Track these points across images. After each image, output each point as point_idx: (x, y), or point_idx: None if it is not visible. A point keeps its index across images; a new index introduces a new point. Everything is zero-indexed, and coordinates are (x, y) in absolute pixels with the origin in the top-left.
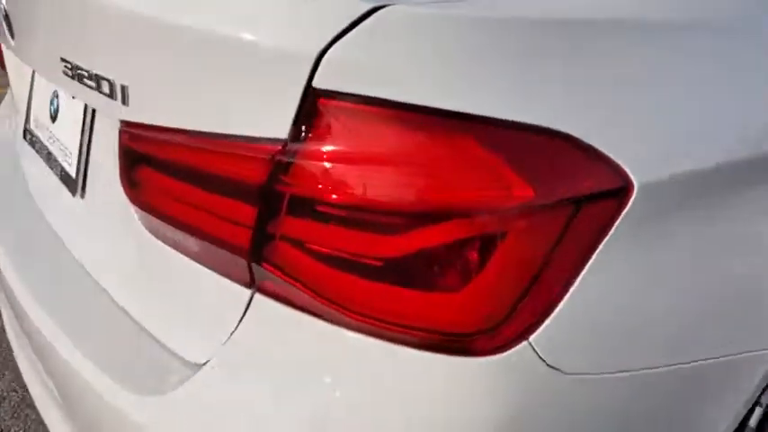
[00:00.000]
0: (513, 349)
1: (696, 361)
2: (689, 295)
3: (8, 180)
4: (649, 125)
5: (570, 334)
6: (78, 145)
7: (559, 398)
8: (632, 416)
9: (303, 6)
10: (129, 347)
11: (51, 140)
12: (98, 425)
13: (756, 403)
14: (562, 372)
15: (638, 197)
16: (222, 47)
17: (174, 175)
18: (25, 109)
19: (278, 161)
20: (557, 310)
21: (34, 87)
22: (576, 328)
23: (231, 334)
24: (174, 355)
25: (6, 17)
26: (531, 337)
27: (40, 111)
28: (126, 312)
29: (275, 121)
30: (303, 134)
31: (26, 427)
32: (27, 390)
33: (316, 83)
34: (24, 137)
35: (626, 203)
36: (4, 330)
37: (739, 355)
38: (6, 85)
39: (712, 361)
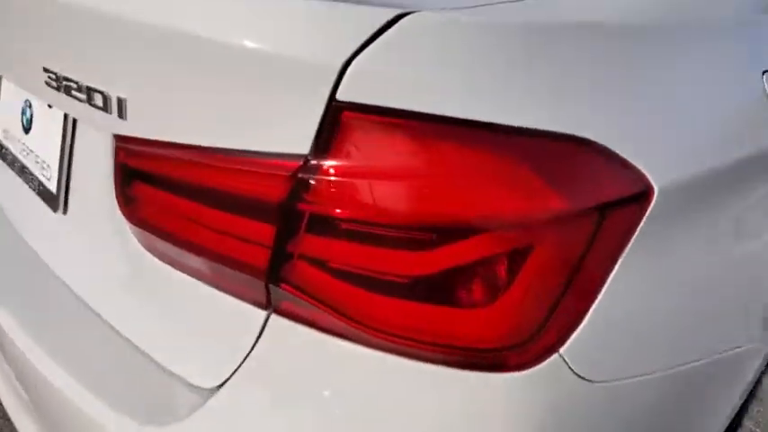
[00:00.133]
0: (545, 362)
1: (708, 357)
2: (701, 294)
3: None
4: (663, 128)
5: (597, 342)
6: (58, 158)
7: (588, 408)
8: (654, 415)
9: (323, 16)
10: (129, 373)
11: (25, 153)
12: None
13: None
14: (590, 381)
15: (657, 201)
16: (237, 59)
17: (178, 193)
18: None
19: (299, 178)
20: (585, 319)
21: (1, 96)
22: (602, 335)
23: (246, 357)
24: (179, 380)
25: None
26: (562, 349)
27: (10, 121)
28: (122, 335)
29: (295, 136)
30: (326, 149)
31: None
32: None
33: (340, 95)
34: None
35: (647, 208)
36: None
37: (742, 348)
38: None
39: (721, 355)
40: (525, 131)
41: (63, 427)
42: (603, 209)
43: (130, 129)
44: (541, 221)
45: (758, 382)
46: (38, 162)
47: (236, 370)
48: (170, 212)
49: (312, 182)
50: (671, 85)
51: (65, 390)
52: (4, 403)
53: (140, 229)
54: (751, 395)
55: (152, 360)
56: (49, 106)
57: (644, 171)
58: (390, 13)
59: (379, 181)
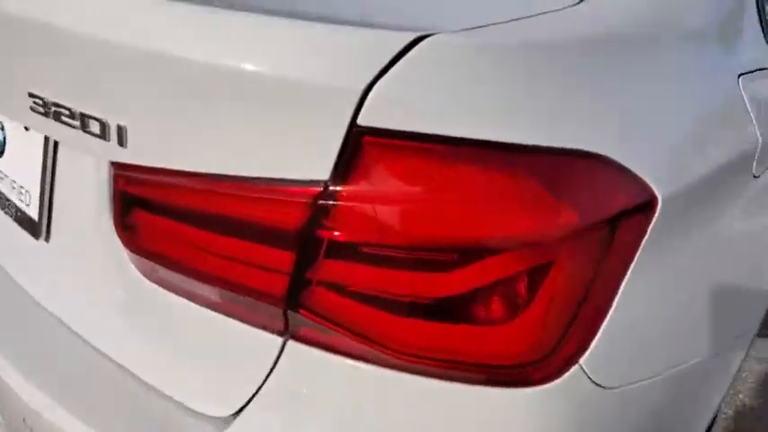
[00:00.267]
0: (567, 374)
1: (704, 355)
2: (698, 296)
3: None
4: (661, 137)
5: (610, 350)
6: (39, 183)
7: (602, 414)
8: (659, 415)
9: (342, 40)
10: (133, 407)
11: None
12: None
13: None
14: (605, 387)
15: (661, 209)
16: (253, 84)
17: (185, 220)
18: None
19: (319, 204)
20: (601, 328)
21: None
22: (614, 343)
23: (262, 384)
24: (188, 410)
25: None
26: (582, 359)
27: None
28: (121, 366)
29: (314, 162)
30: (347, 174)
31: None
32: None
33: (361, 120)
34: None
35: (652, 217)
36: None
37: (731, 343)
38: None
39: (716, 352)
40: (538, 149)
41: None
42: (614, 221)
43: (132, 156)
44: (558, 237)
45: None
46: (14, 187)
47: (251, 397)
48: (176, 240)
49: (333, 207)
50: (663, 94)
51: (66, 429)
52: None
53: (140, 257)
54: None
55: (157, 391)
56: (26, 129)
57: (647, 181)
58: (409, 37)
59: (400, 205)
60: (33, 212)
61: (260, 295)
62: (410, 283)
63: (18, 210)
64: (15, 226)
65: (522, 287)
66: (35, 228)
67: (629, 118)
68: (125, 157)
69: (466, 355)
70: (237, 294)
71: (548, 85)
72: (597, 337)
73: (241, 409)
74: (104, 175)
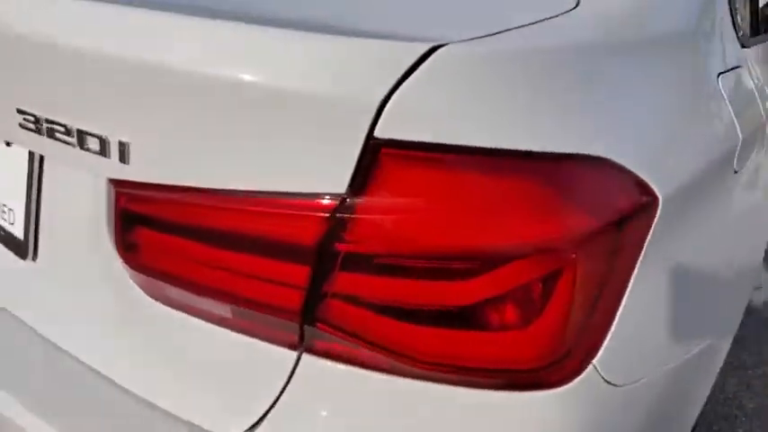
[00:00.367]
0: (583, 374)
1: (700, 346)
2: (694, 292)
3: None
4: (658, 138)
5: (620, 349)
6: (24, 201)
7: (613, 412)
8: (661, 408)
9: (356, 52)
10: (139, 428)
11: None
12: None
13: None
14: (615, 385)
15: (662, 209)
16: (267, 99)
17: (193, 237)
18: None
19: (337, 217)
20: (612, 328)
21: None
22: (623, 341)
23: (277, 399)
24: (198, 429)
25: None
26: (595, 360)
27: None
28: (122, 388)
29: (329, 175)
30: (364, 186)
31: None
32: None
33: (378, 132)
34: None
35: (654, 217)
36: None
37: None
38: None
39: (710, 344)
40: (551, 156)
41: None
42: (620, 222)
43: (135, 174)
44: (572, 242)
45: None
46: None
47: (266, 413)
48: (184, 257)
49: (351, 220)
50: (656, 96)
51: None
52: None
53: (144, 275)
54: None
55: (164, 411)
56: (8, 144)
57: (648, 182)
58: (422, 48)
59: (417, 215)
60: (18, 232)
61: (275, 310)
62: (429, 292)
63: (1, 229)
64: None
65: (538, 292)
66: (21, 248)
67: (628, 121)
68: (126, 174)
69: (484, 361)
70: (251, 310)
71: (558, 91)
72: (608, 337)
73: (255, 425)
74: (101, 192)
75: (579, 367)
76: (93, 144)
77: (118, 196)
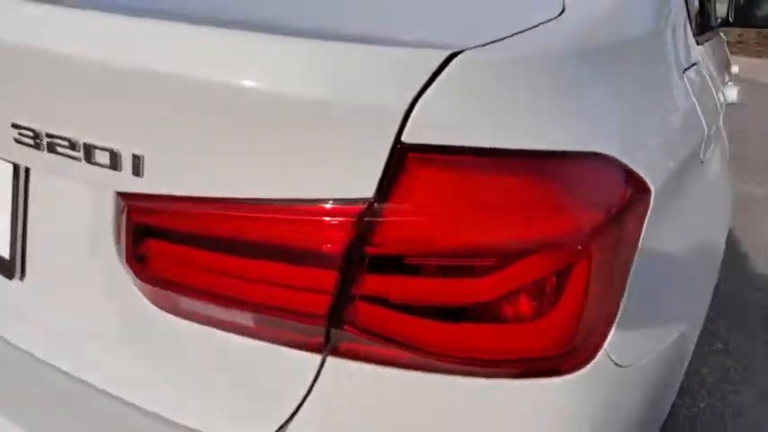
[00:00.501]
0: (596, 359)
1: (687, 324)
2: (679, 276)
3: None
4: (647, 132)
5: (625, 332)
6: (9, 218)
7: (621, 392)
8: (661, 383)
9: (380, 58)
10: None
11: None
12: None
13: None
14: (622, 366)
15: (654, 200)
16: (291, 107)
17: (212, 249)
18: None
19: (364, 221)
20: (619, 313)
21: None
22: (628, 325)
23: (302, 402)
24: None
25: None
26: (605, 344)
27: None
28: (135, 406)
29: (356, 181)
30: (391, 191)
31: None
32: None
33: (405, 137)
34: None
35: (648, 208)
36: None
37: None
38: None
39: (693, 325)
40: (565, 154)
41: None
42: (623, 215)
43: (147, 186)
44: (584, 235)
45: None
46: None
47: (291, 416)
48: (202, 268)
49: (378, 224)
50: (642, 94)
51: None
52: None
53: (158, 288)
54: None
55: (180, 426)
56: None
57: (642, 175)
58: (443, 54)
59: (443, 216)
60: (4, 250)
61: (300, 315)
62: (455, 290)
63: None
64: None
65: (554, 284)
66: (7, 267)
67: (622, 119)
68: (139, 186)
69: (508, 352)
70: (274, 317)
71: (567, 92)
72: (616, 321)
73: (279, 429)
74: (102, 205)
75: (593, 352)
76: (102, 158)
77: (130, 209)
